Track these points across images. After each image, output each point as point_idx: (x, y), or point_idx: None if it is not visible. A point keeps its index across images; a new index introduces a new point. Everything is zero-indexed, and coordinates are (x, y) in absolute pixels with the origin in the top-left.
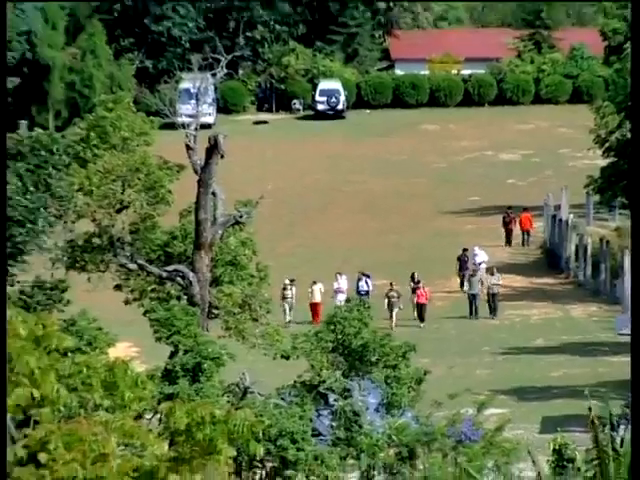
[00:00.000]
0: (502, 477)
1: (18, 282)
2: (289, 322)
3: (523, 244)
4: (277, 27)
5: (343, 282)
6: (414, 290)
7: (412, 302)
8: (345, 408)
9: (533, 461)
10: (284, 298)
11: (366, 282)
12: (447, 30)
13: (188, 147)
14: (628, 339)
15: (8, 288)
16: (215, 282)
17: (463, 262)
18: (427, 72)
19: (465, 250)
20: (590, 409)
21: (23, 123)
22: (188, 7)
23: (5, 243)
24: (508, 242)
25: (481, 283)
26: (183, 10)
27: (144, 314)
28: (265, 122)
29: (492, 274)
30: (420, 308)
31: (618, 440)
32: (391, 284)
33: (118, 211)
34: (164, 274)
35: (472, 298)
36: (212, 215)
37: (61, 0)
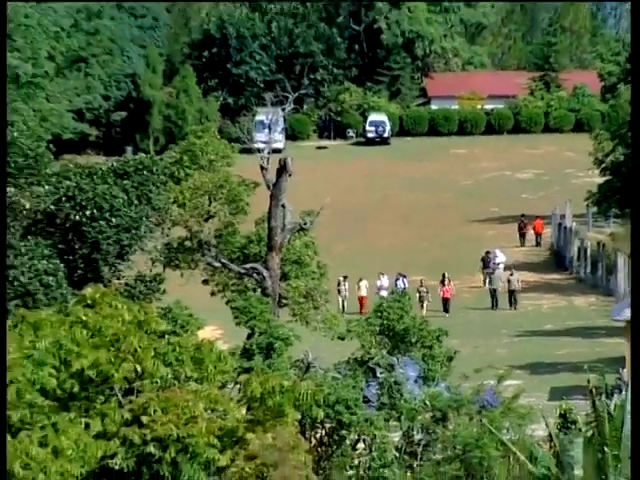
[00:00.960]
0: (517, 436)
1: (123, 277)
2: (343, 310)
3: (537, 244)
4: (335, 70)
5: (384, 280)
6: (443, 285)
7: (439, 296)
8: (389, 380)
9: (546, 423)
10: (339, 292)
11: (403, 281)
12: (473, 72)
13: (262, 168)
14: (621, 324)
15: (115, 281)
16: (284, 277)
17: (486, 262)
18: (457, 107)
19: (487, 252)
20: (589, 381)
21: (129, 148)
22: (262, 54)
23: (5, 244)
24: (522, 244)
25: (500, 279)
26: (258, 56)
27: (226, 303)
28: (325, 147)
29: (512, 274)
30: (445, 302)
31: (612, 406)
32: (421, 281)
33: (206, 220)
34: (242, 271)
35: (493, 292)
36: (282, 223)
37: (66, 0)
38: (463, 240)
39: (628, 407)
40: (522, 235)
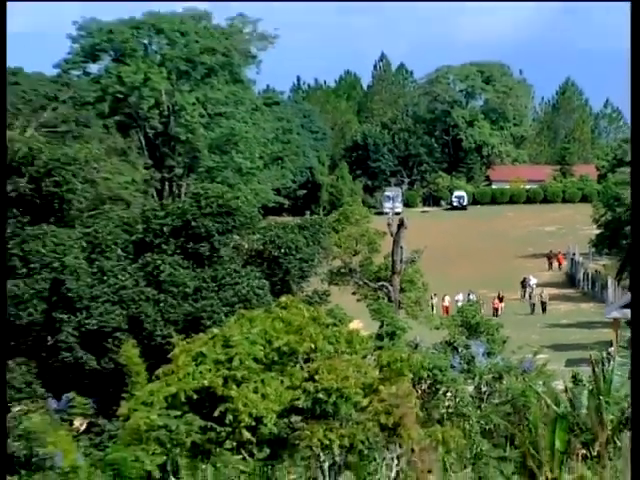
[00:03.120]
0: (546, 388)
1: (304, 290)
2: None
3: (560, 269)
4: (433, 164)
5: (460, 296)
6: (499, 300)
7: (492, 307)
8: (466, 354)
9: (564, 381)
10: (431, 302)
11: (472, 295)
12: (518, 166)
13: (388, 224)
14: (610, 320)
15: (299, 293)
16: (401, 290)
17: (523, 284)
18: (508, 186)
19: (524, 278)
20: (591, 355)
21: (307, 212)
22: (388, 155)
23: (6, 246)
24: (549, 269)
25: (534, 295)
26: (386, 156)
27: (367, 307)
28: (427, 211)
29: (542, 292)
30: (495, 310)
31: (605, 371)
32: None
33: (354, 255)
34: (376, 287)
35: (530, 303)
36: (400, 257)
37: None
38: (511, 269)
39: (615, 371)
40: (550, 265)
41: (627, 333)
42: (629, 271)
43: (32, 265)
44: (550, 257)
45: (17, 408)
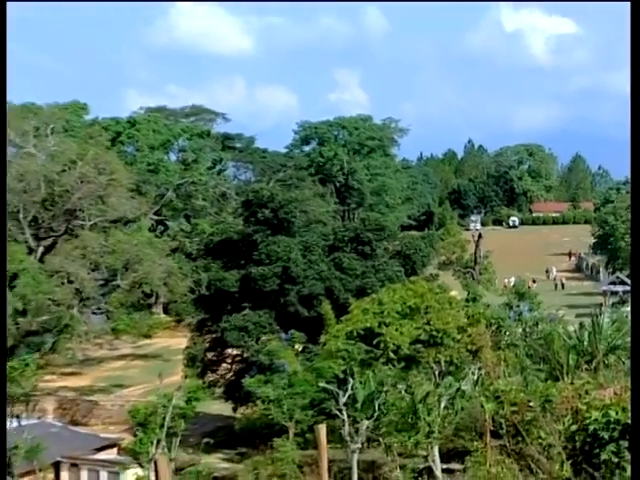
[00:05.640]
0: (563, 330)
1: (423, 274)
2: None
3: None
4: (498, 202)
5: (512, 278)
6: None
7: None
8: (517, 310)
9: (573, 326)
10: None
11: (519, 278)
12: (548, 202)
13: (472, 236)
14: (600, 291)
15: (421, 276)
16: (480, 273)
17: (547, 271)
18: (542, 215)
19: (547, 268)
20: (592, 314)
21: (425, 229)
22: (472, 197)
23: (6, 249)
24: (569, 260)
25: (554, 279)
26: (472, 197)
27: (460, 283)
28: (494, 229)
29: (562, 278)
30: (529, 288)
31: (599, 319)
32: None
33: (452, 253)
34: (465, 271)
35: (554, 283)
36: (480, 255)
37: (69, 0)
38: (542, 262)
39: (604, 320)
40: (569, 257)
41: (611, 299)
42: (613, 264)
43: (272, 258)
44: (570, 254)
45: (263, 337)
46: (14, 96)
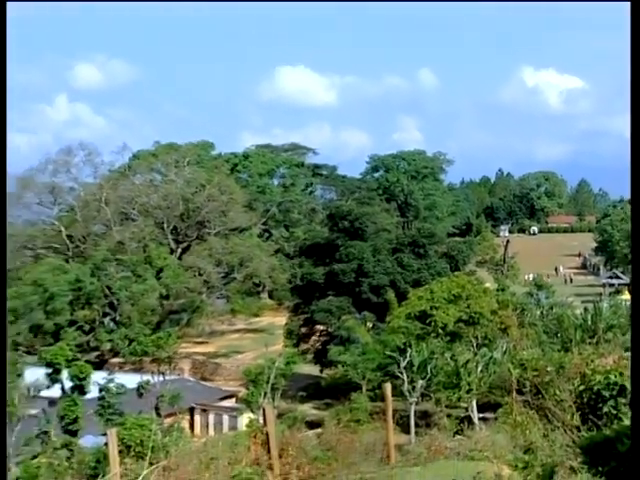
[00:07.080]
0: (571, 312)
1: (464, 270)
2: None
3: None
4: (522, 215)
5: (530, 275)
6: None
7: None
8: (536, 297)
9: (579, 309)
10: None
11: (537, 274)
12: (561, 215)
13: (501, 241)
14: (600, 283)
15: (462, 271)
16: (507, 270)
17: (556, 269)
18: (556, 225)
19: (557, 266)
20: (594, 301)
21: (466, 236)
22: (502, 212)
23: (6, 249)
24: (579, 257)
25: (564, 274)
26: (501, 212)
27: (492, 277)
28: (519, 236)
29: (570, 273)
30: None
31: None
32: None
33: (486, 254)
34: (496, 268)
35: (564, 278)
36: (508, 255)
37: (76, 0)
38: (554, 262)
39: (604, 305)
40: (579, 256)
41: (609, 290)
42: (610, 263)
43: (350, 257)
44: (579, 254)
45: (343, 317)
46: (163, 137)
